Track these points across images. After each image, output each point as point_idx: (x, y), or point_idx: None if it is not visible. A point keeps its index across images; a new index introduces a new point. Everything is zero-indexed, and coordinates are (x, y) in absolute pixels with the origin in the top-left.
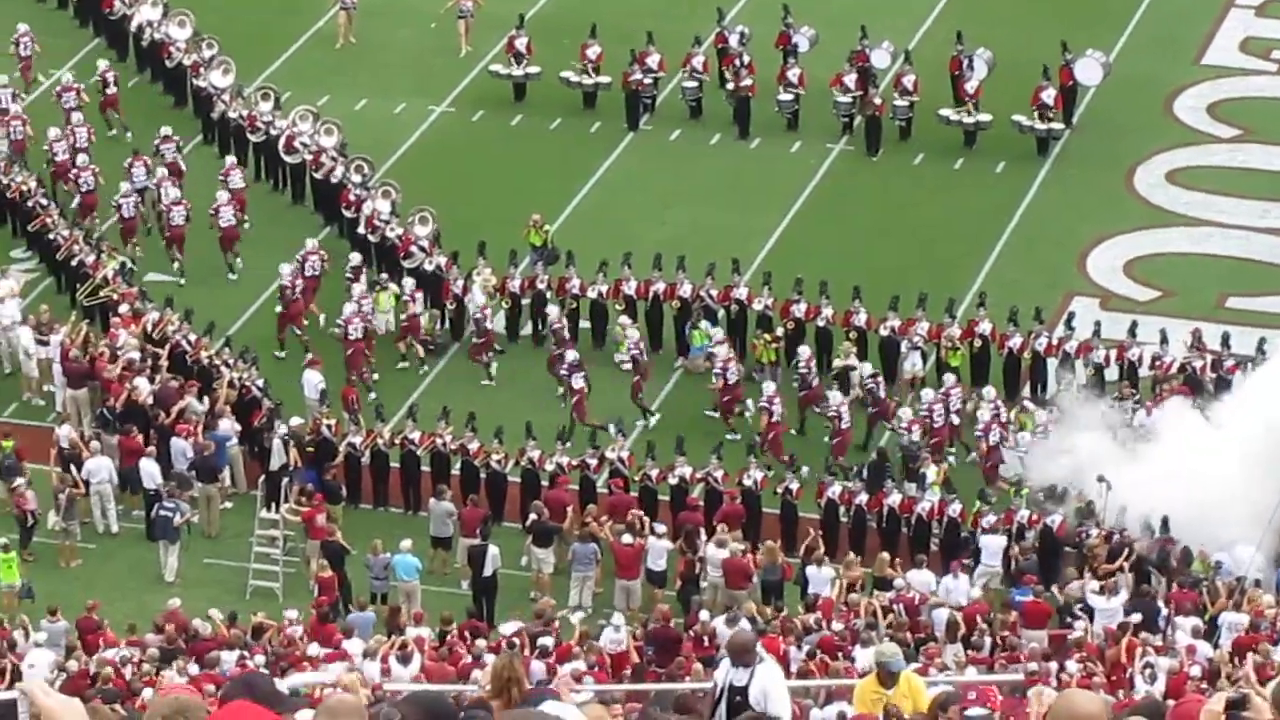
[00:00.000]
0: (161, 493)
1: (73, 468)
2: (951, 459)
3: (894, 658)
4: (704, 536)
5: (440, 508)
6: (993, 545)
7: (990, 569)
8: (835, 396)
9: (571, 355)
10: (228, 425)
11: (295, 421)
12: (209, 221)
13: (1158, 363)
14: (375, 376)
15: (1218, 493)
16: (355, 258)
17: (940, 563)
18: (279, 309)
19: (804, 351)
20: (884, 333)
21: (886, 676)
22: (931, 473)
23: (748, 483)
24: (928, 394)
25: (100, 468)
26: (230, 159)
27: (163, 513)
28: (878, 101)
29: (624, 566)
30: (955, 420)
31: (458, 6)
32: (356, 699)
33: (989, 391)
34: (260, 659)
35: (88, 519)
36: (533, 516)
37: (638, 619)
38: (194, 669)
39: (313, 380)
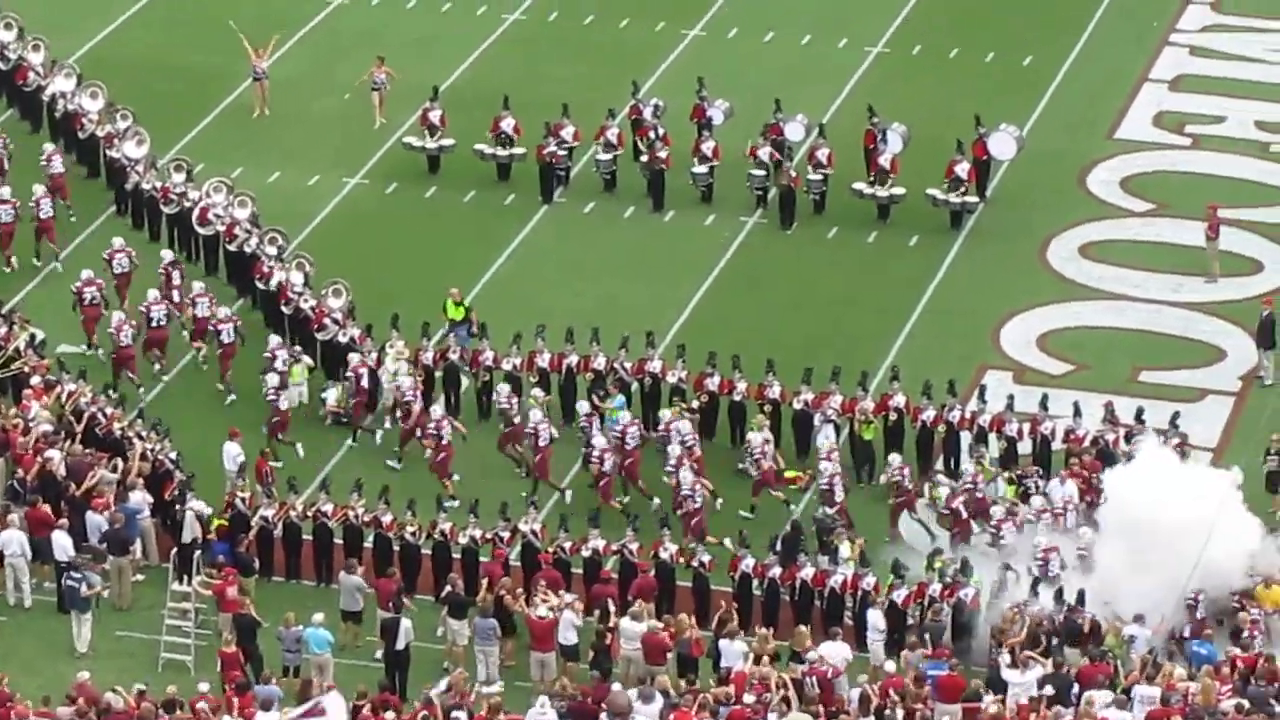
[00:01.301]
0: (74, 559)
1: None
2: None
3: None
4: (613, 609)
5: (350, 581)
6: (873, 619)
7: (874, 640)
8: (756, 438)
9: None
10: (140, 497)
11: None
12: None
13: (1071, 436)
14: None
15: (1118, 571)
16: (274, 340)
17: (854, 636)
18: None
19: (756, 438)
20: (798, 406)
21: None
22: (845, 547)
23: (663, 555)
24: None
25: (12, 540)
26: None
27: (69, 583)
28: (792, 174)
29: (538, 639)
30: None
31: (371, 78)
32: None
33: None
34: None
35: (0, 591)
36: (447, 588)
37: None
38: None
39: (231, 452)
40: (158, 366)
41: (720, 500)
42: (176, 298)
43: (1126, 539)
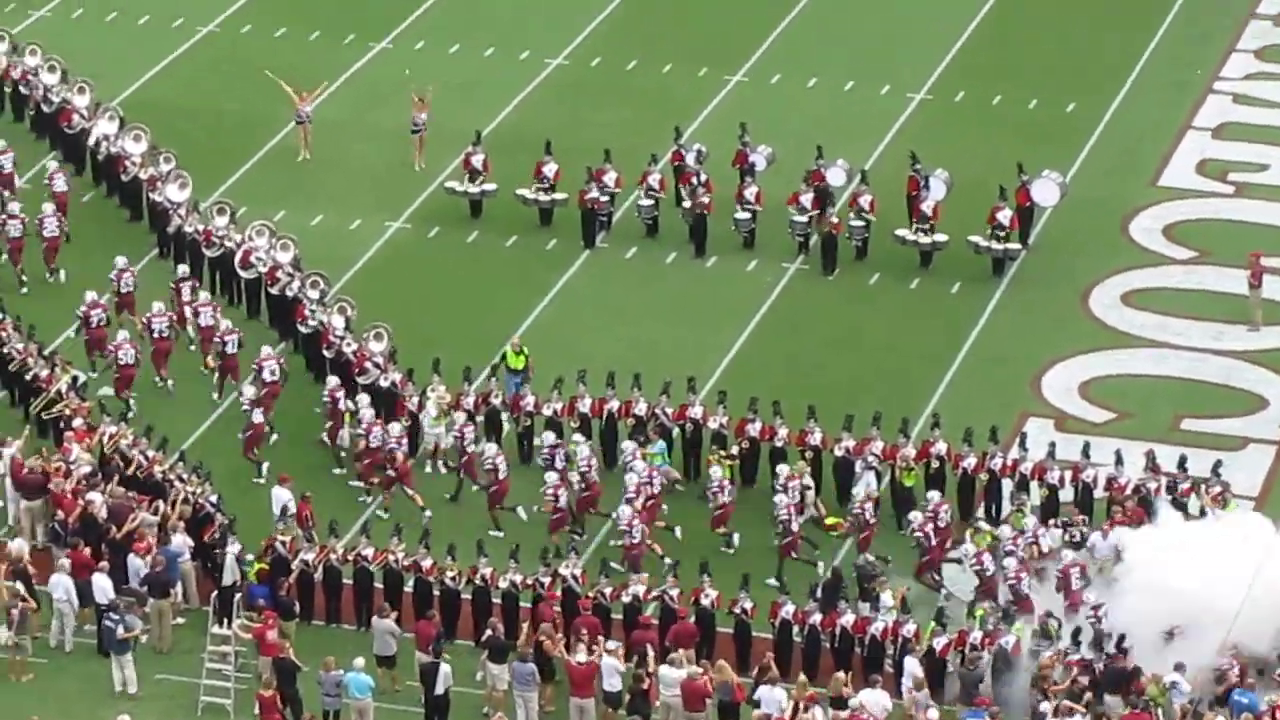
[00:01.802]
0: (113, 602)
1: (20, 583)
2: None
3: None
4: (651, 654)
5: (382, 626)
6: (910, 666)
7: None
8: (715, 472)
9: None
10: (181, 540)
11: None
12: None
13: (1113, 484)
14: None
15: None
16: (333, 381)
17: (894, 683)
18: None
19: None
20: (839, 453)
21: None
22: (887, 595)
23: (704, 601)
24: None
25: (59, 584)
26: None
27: (106, 624)
28: (834, 221)
29: (578, 685)
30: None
31: (412, 120)
32: None
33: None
34: None
35: (39, 634)
36: (488, 632)
37: None
38: None
39: (282, 498)
40: (166, 382)
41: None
42: (188, 314)
43: (1155, 599)
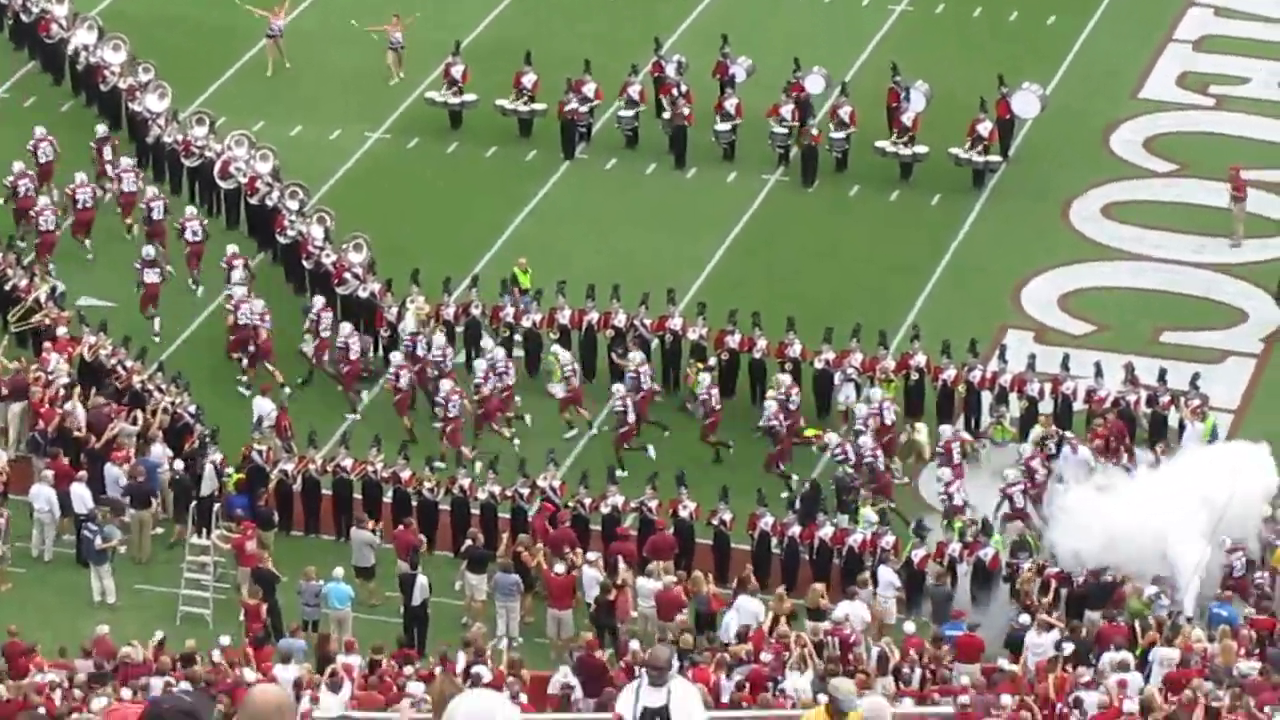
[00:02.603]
0: (91, 512)
1: None
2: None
3: (848, 695)
4: (623, 566)
5: (360, 537)
6: (886, 576)
7: (886, 597)
8: (704, 379)
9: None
10: (160, 451)
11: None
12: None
13: (1092, 397)
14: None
15: (1149, 538)
16: (318, 301)
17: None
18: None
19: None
20: (818, 365)
21: (838, 714)
22: (868, 509)
23: (683, 513)
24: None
25: (40, 495)
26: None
27: (85, 534)
28: (814, 132)
29: (556, 596)
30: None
31: (387, 36)
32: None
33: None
34: (186, 685)
35: (18, 542)
36: (467, 542)
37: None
38: (126, 693)
39: (265, 407)
40: (89, 252)
41: (732, 447)
42: (110, 173)
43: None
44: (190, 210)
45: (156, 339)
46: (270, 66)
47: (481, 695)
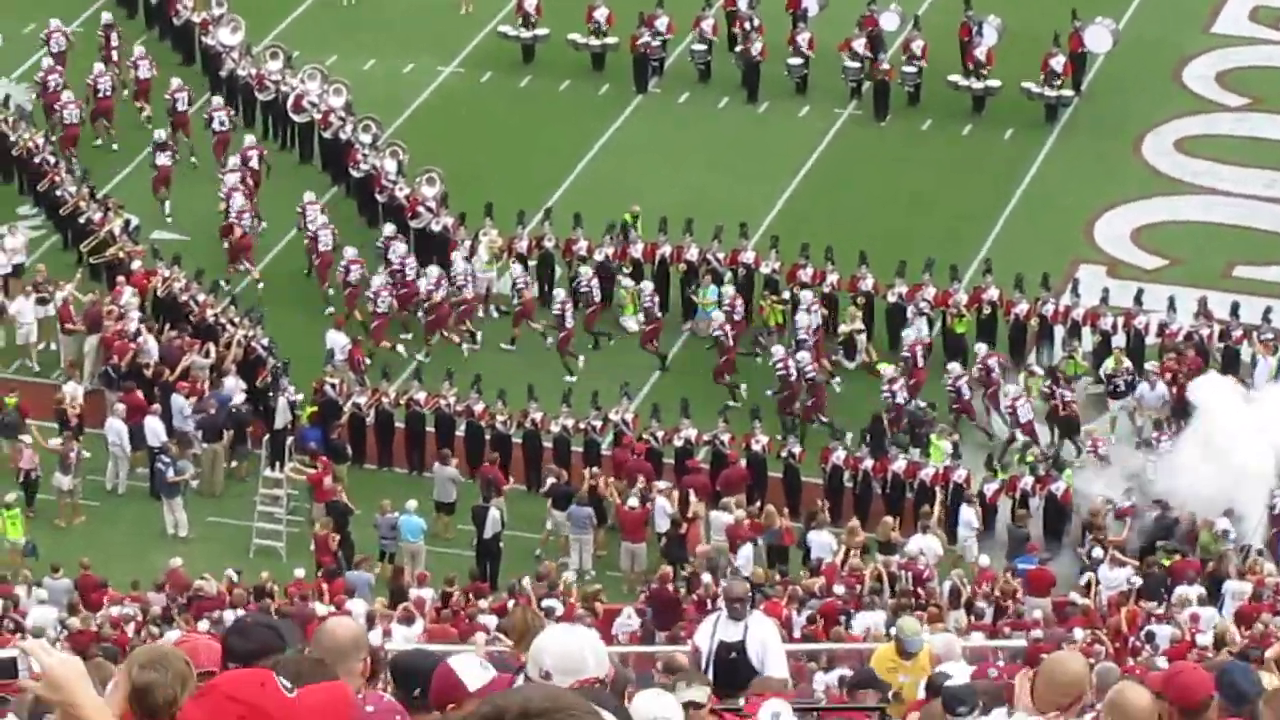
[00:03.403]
0: (164, 444)
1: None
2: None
3: (913, 636)
4: (694, 499)
5: (444, 473)
6: (965, 515)
7: (966, 536)
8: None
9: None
10: (233, 384)
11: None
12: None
13: (1165, 331)
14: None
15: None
16: (389, 229)
17: (946, 528)
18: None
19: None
20: (890, 299)
21: (904, 654)
22: (944, 442)
23: (755, 447)
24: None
25: (113, 428)
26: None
27: (157, 467)
28: (886, 67)
29: (629, 529)
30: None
31: None
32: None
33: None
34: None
35: (90, 476)
36: (551, 480)
37: (639, 582)
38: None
39: (338, 341)
40: (105, 139)
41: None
42: (115, 58)
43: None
44: (217, 100)
45: (169, 220)
46: None
47: (571, 632)
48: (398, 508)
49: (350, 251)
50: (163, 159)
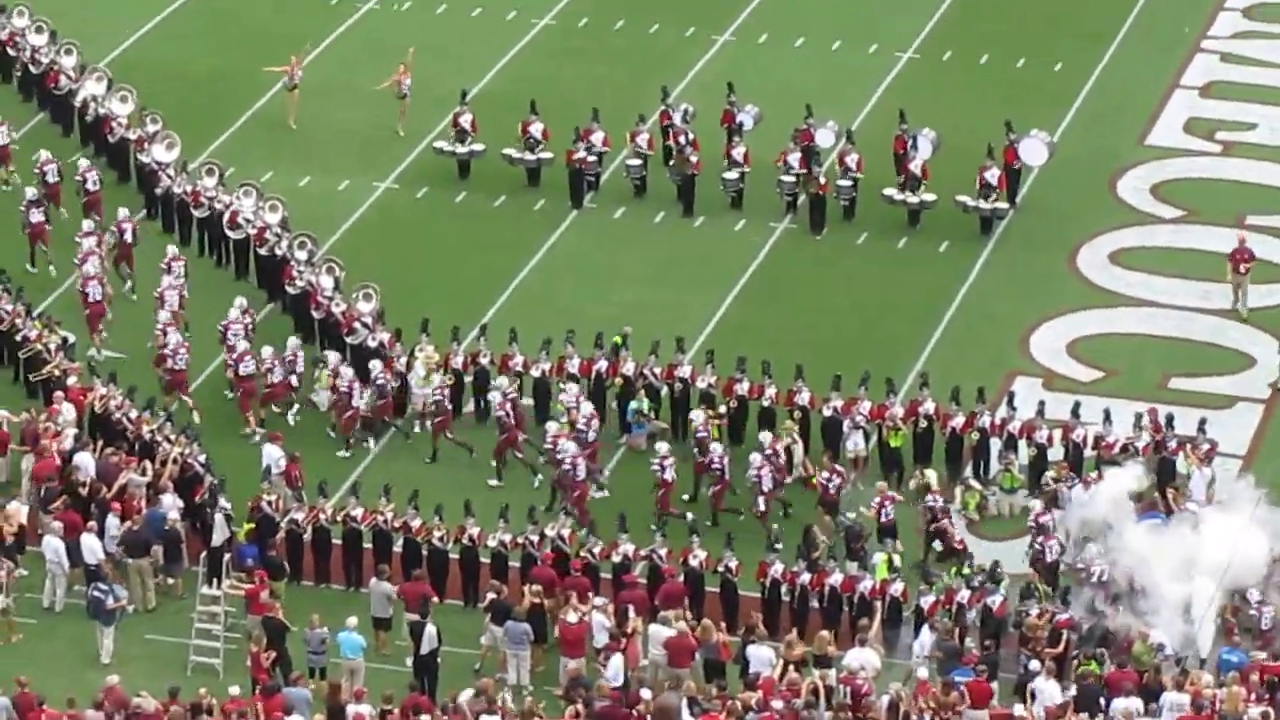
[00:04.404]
0: (99, 571)
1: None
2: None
3: None
4: (632, 614)
5: (380, 589)
6: (926, 637)
7: (924, 658)
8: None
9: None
10: (170, 500)
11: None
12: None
13: (1102, 443)
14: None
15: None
16: (293, 341)
17: (884, 641)
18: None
19: (697, 416)
20: (827, 412)
21: None
22: (878, 556)
23: (693, 562)
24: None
25: (49, 545)
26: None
27: (95, 594)
28: (822, 180)
29: (570, 644)
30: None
31: (397, 86)
32: None
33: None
34: None
35: (30, 594)
36: (491, 595)
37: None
38: None
39: (273, 454)
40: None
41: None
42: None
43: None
44: (85, 162)
45: (53, 271)
46: (291, 115)
47: None
48: (329, 623)
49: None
50: (36, 216)
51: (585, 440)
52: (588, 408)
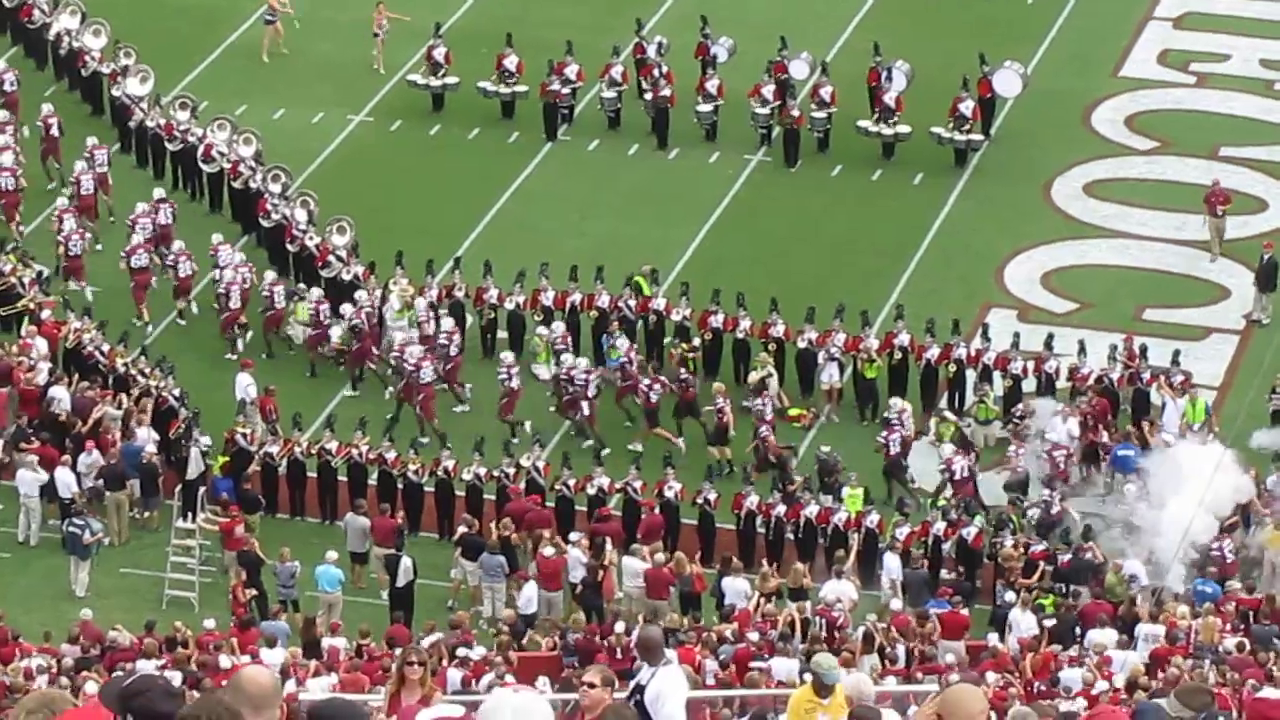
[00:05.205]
0: (74, 506)
1: None
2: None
3: (830, 670)
4: (609, 547)
5: (357, 523)
6: (891, 562)
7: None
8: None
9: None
10: (145, 435)
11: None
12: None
13: (1075, 374)
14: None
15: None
16: (269, 275)
17: (859, 573)
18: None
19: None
20: (801, 344)
21: (821, 688)
22: (853, 488)
23: (668, 494)
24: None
25: (24, 479)
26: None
27: (71, 529)
28: (795, 113)
29: (547, 578)
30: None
31: (375, 26)
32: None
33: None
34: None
35: (3, 528)
36: (461, 529)
37: (557, 629)
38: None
39: (243, 382)
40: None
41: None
42: None
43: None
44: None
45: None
46: (264, 50)
47: (524, 697)
48: (307, 557)
49: (270, 275)
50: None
51: (448, 354)
52: (447, 323)
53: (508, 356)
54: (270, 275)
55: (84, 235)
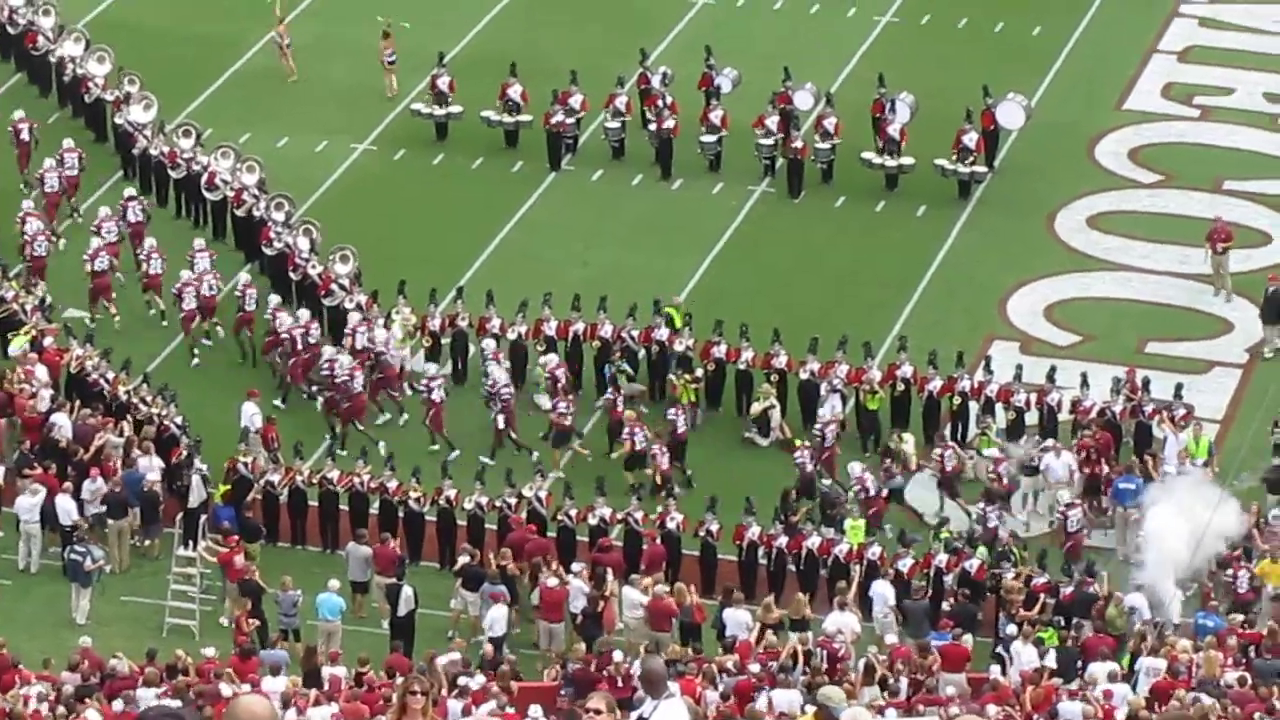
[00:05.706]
0: (75, 533)
1: None
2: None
3: (839, 703)
4: (610, 578)
5: (359, 552)
6: (881, 590)
7: (885, 613)
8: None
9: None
10: (147, 462)
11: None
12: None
13: (1078, 407)
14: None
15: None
16: (274, 299)
17: (860, 605)
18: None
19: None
20: (804, 375)
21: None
22: (854, 520)
23: (670, 525)
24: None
25: (29, 506)
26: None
27: (73, 556)
28: (799, 144)
29: (549, 608)
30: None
31: (383, 54)
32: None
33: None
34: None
35: (4, 555)
36: (463, 559)
37: (557, 660)
38: (119, 705)
39: (249, 411)
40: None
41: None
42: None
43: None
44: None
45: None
46: (290, 72)
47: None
48: (302, 585)
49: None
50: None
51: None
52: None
53: (430, 368)
54: (243, 277)
55: (49, 237)
